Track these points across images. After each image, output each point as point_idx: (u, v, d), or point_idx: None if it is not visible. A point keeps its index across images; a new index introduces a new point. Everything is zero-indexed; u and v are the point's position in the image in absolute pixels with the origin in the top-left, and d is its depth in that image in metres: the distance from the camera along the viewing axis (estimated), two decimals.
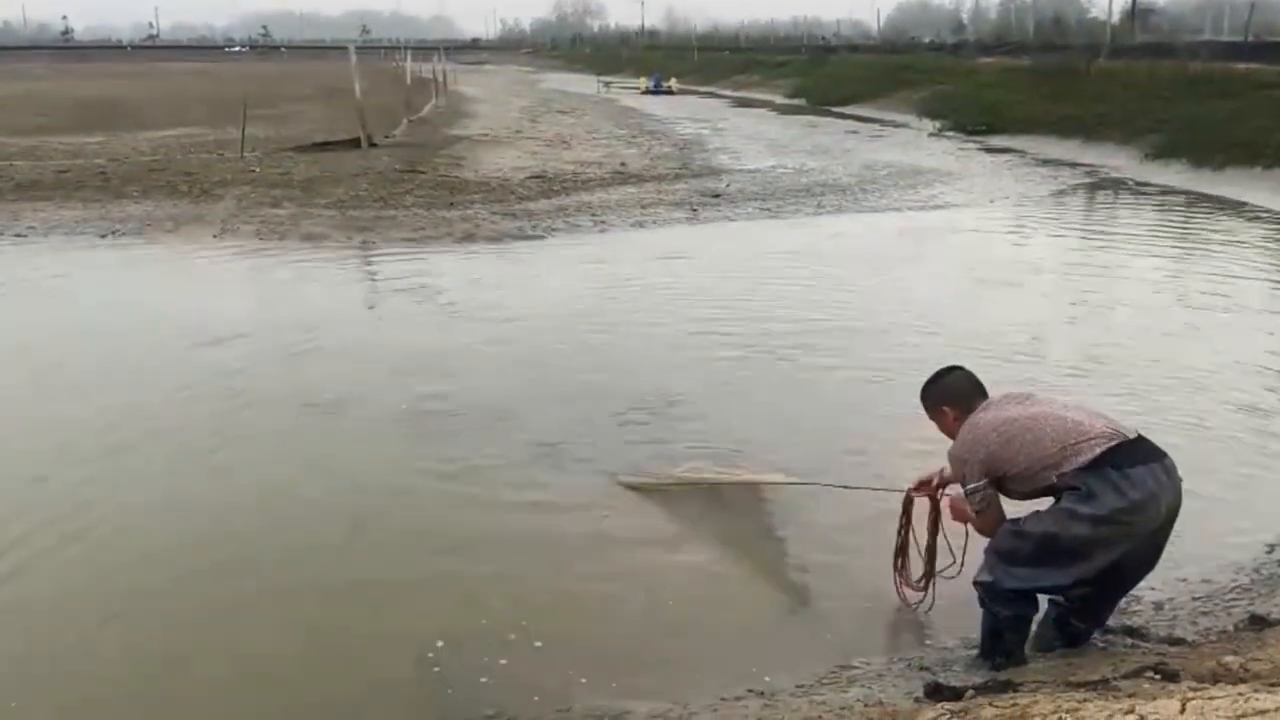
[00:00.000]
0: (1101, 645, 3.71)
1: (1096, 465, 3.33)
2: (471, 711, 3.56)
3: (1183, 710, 2.60)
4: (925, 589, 4.14)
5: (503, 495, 5.29)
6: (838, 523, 4.89)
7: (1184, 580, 4.38)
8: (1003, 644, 3.62)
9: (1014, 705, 2.92)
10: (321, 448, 5.99)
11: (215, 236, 12.17)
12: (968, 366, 3.89)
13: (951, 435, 3.74)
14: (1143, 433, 3.48)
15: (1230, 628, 3.78)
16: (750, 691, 3.65)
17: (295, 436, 6.18)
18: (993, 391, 3.77)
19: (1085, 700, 2.84)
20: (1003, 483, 3.57)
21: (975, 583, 3.62)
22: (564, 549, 4.75)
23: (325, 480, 5.53)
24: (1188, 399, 6.61)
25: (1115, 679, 3.11)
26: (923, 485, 4.08)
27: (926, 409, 3.86)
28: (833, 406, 6.59)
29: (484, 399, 6.68)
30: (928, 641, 4.01)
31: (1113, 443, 3.36)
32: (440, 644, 3.96)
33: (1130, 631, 3.83)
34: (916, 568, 4.16)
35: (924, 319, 8.52)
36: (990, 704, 2.97)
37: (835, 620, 4.19)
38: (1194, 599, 4.20)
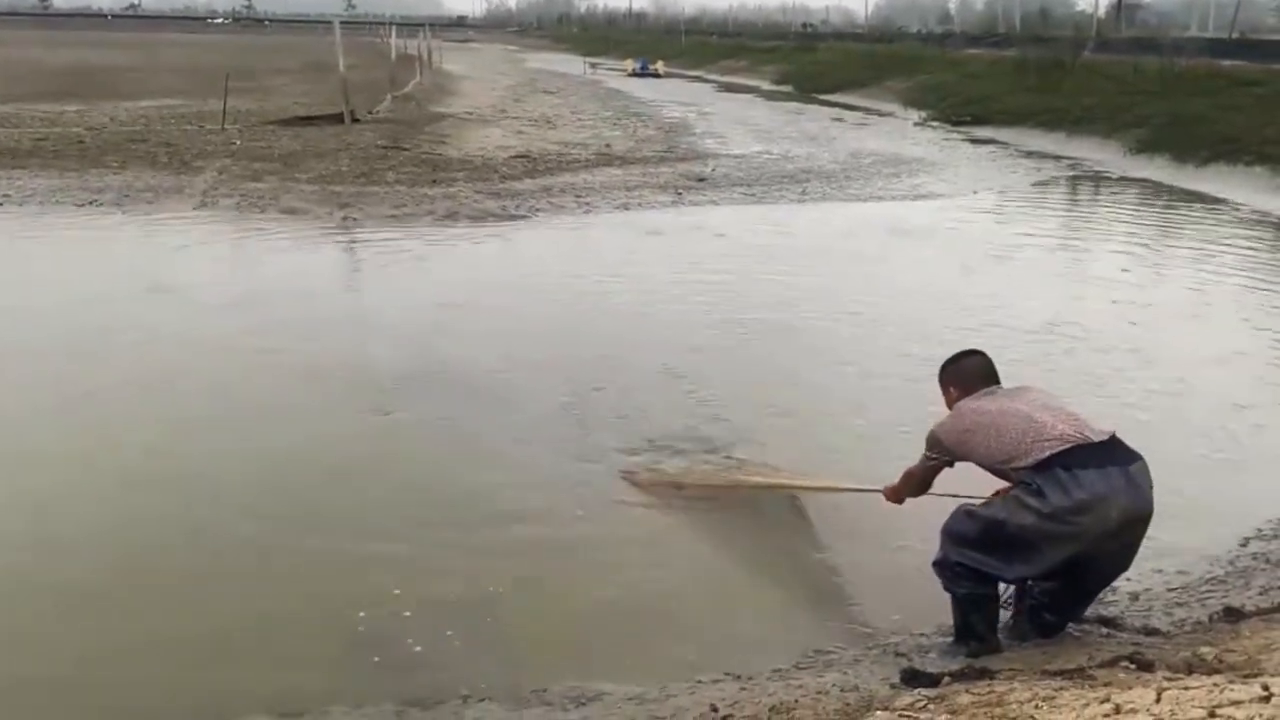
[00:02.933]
0: (1077, 635, 3.73)
1: (1047, 465, 3.39)
2: (444, 691, 3.53)
3: (1158, 700, 2.62)
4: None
5: (482, 474, 5.27)
6: (819, 511, 4.89)
7: (1159, 571, 4.40)
8: (971, 627, 3.66)
9: (990, 692, 2.93)
10: (307, 424, 5.96)
11: (195, 209, 12.04)
12: (986, 352, 3.99)
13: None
14: (1118, 436, 3.50)
15: (1205, 619, 3.81)
16: (727, 674, 3.64)
17: (283, 410, 6.15)
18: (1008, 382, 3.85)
19: (1061, 688, 2.86)
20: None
21: (933, 565, 3.71)
22: (543, 530, 4.72)
23: (292, 456, 5.52)
24: (1162, 390, 6.64)
25: (1091, 668, 3.13)
26: None
27: (940, 384, 3.99)
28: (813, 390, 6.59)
29: (471, 371, 6.68)
30: (903, 629, 4.00)
31: (1067, 445, 3.40)
32: (410, 620, 3.94)
33: (1105, 621, 3.84)
34: None
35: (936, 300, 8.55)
36: (967, 690, 2.99)
37: (811, 607, 4.21)
38: (1169, 590, 4.22)
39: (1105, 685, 2.85)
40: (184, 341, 7.28)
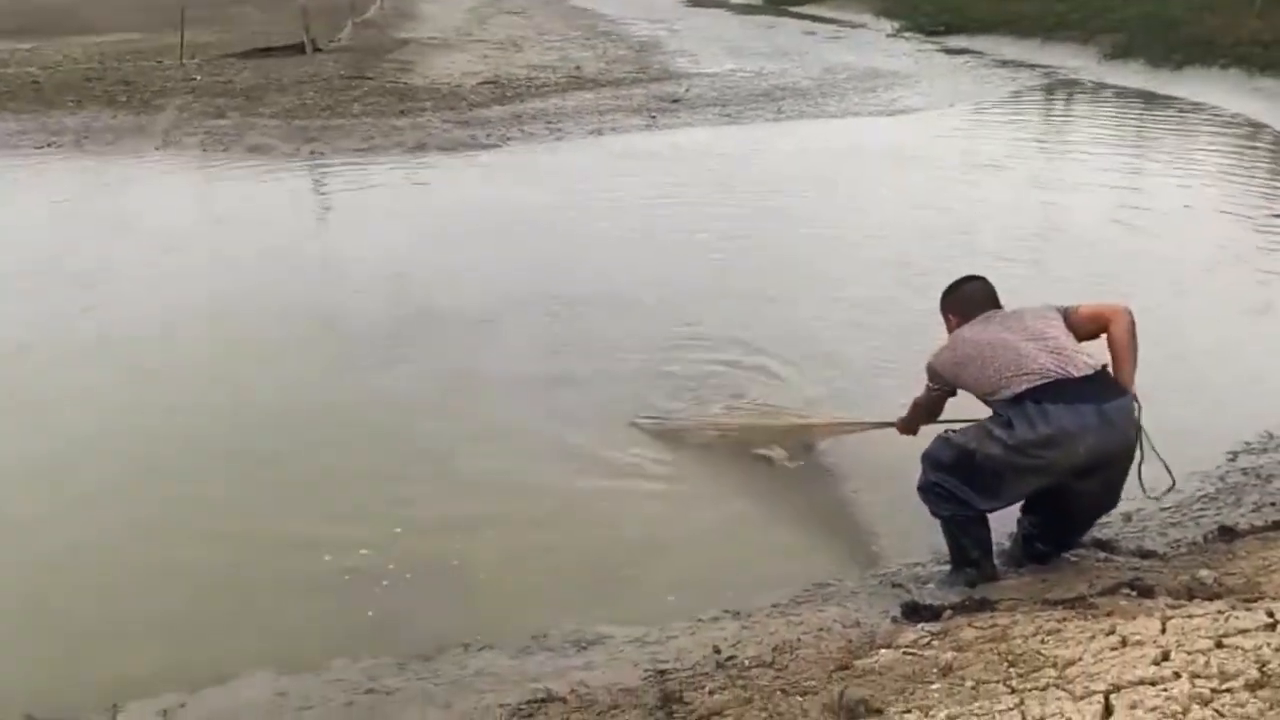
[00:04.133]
0: (1074, 560, 3.74)
1: (1019, 399, 3.40)
2: (444, 641, 3.51)
3: (1163, 630, 2.62)
4: None
5: (474, 419, 5.21)
6: (814, 446, 4.87)
7: (1150, 490, 4.41)
8: (964, 552, 3.67)
9: (994, 625, 2.94)
10: (299, 362, 5.90)
11: (157, 149, 11.75)
12: (985, 275, 3.96)
13: None
14: (1107, 370, 3.48)
15: (1200, 539, 3.82)
16: (727, 612, 3.63)
17: (275, 352, 6.07)
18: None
19: (1065, 619, 2.86)
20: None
21: (917, 489, 3.72)
22: (537, 475, 4.65)
23: (289, 391, 5.47)
24: (1148, 297, 6.62)
25: (1092, 596, 3.13)
26: None
27: (941, 311, 3.97)
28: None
29: (453, 309, 6.59)
30: (900, 558, 4.01)
31: (1043, 380, 3.40)
32: (404, 571, 3.91)
33: (1101, 545, 3.85)
34: None
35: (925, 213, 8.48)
36: (970, 624, 2.99)
37: (808, 540, 4.20)
38: (1161, 509, 4.22)
39: (1108, 615, 2.85)
40: (149, 286, 7.13)
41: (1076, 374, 3.42)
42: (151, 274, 7.45)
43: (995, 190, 9.98)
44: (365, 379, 5.66)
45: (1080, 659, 2.49)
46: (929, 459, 3.66)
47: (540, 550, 4.11)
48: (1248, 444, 4.86)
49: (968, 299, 3.86)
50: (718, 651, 3.15)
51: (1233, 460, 4.70)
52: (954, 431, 3.68)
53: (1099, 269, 7.22)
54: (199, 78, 16.04)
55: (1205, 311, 6.50)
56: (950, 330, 3.88)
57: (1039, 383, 3.40)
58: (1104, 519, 4.08)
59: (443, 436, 5.02)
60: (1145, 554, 3.73)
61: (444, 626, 3.62)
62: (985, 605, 3.23)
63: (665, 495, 4.51)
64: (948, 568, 3.77)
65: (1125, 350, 3.52)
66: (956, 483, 3.55)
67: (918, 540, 3.99)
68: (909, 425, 4.15)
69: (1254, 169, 11.11)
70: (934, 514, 3.69)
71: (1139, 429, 3.49)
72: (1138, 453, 3.51)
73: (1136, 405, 3.45)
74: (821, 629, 3.27)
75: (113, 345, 6.17)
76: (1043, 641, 2.67)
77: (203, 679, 3.34)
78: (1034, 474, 3.42)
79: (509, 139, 12.38)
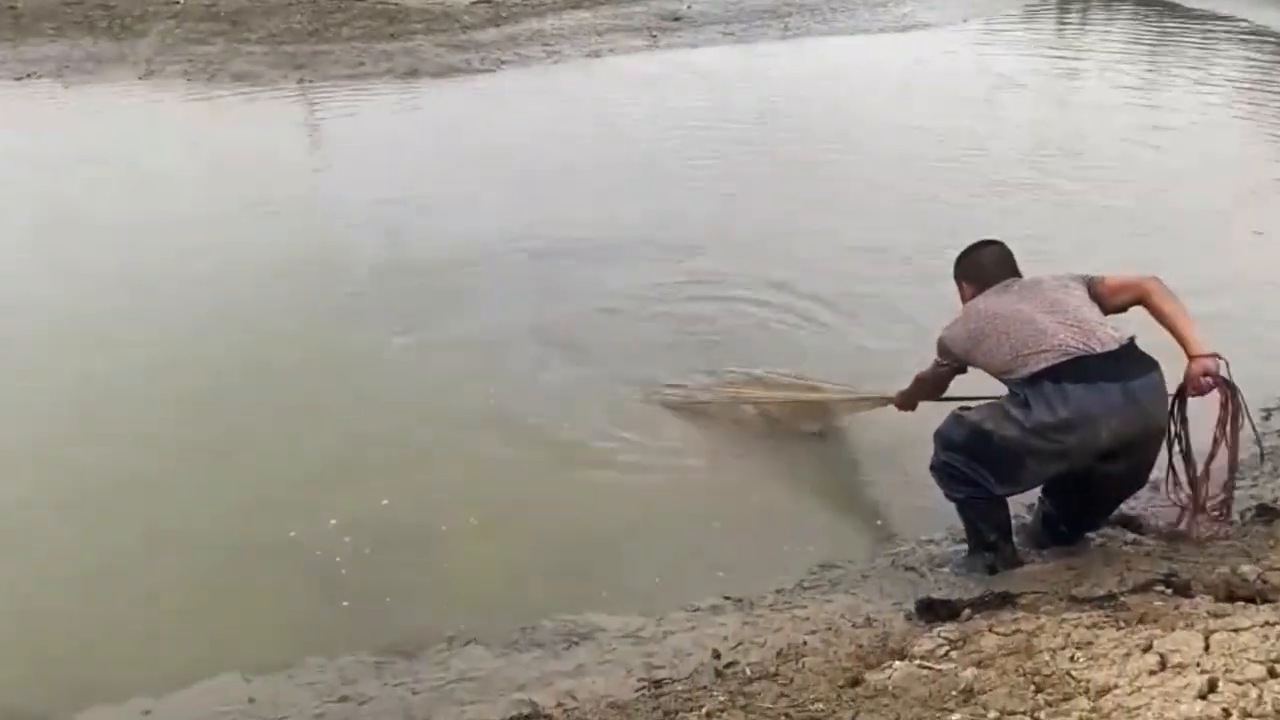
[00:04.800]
0: (1100, 542, 3.49)
1: (1037, 378, 3.12)
2: (427, 636, 3.27)
3: (1207, 647, 2.37)
4: (1224, 514, 3.42)
5: (460, 383, 4.90)
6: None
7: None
8: (981, 536, 3.40)
9: (1017, 631, 2.69)
10: (274, 312, 5.59)
11: (140, 78, 11.30)
12: (1003, 240, 3.66)
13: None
14: (1134, 344, 3.18)
15: (1236, 517, 3.55)
16: (727, 599, 3.41)
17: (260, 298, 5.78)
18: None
19: (1096, 628, 2.61)
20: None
21: (930, 469, 3.46)
22: (526, 450, 4.33)
23: (259, 347, 5.19)
24: (1169, 222, 6.31)
25: (1123, 593, 2.88)
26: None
27: (955, 279, 3.68)
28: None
29: (446, 256, 6.27)
30: (912, 537, 3.76)
31: (1064, 358, 3.11)
32: (383, 556, 3.65)
33: (1127, 523, 3.60)
34: None
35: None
36: (991, 629, 2.74)
37: (814, 519, 3.94)
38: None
39: (1142, 622, 2.61)
40: (130, 225, 6.82)
41: (1100, 349, 3.13)
42: (133, 209, 7.12)
43: (1011, 109, 9.57)
44: (343, 336, 5.34)
45: (1116, 686, 2.24)
46: (941, 437, 3.39)
47: (529, 531, 3.85)
48: None
49: (984, 266, 3.57)
50: (717, 656, 2.92)
51: (1266, 419, 4.41)
52: (968, 409, 3.41)
53: (1119, 200, 6.87)
54: (181, 2, 15.44)
55: (1235, 241, 6.16)
56: (964, 300, 3.59)
57: (1058, 361, 3.11)
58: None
59: (427, 405, 4.69)
60: (1176, 535, 3.47)
61: (426, 617, 3.39)
62: (1007, 601, 2.99)
63: (663, 471, 4.20)
64: (964, 548, 3.52)
65: (1178, 314, 3.20)
66: (972, 463, 3.28)
67: (931, 518, 3.74)
68: (908, 401, 3.89)
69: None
70: (948, 496, 3.42)
71: (1174, 403, 3.21)
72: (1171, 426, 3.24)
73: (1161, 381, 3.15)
74: (829, 627, 3.03)
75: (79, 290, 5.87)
76: (1073, 659, 2.42)
77: (169, 682, 3.11)
78: (1054, 459, 3.15)
79: (504, 63, 11.90)
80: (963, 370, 3.57)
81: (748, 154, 8.21)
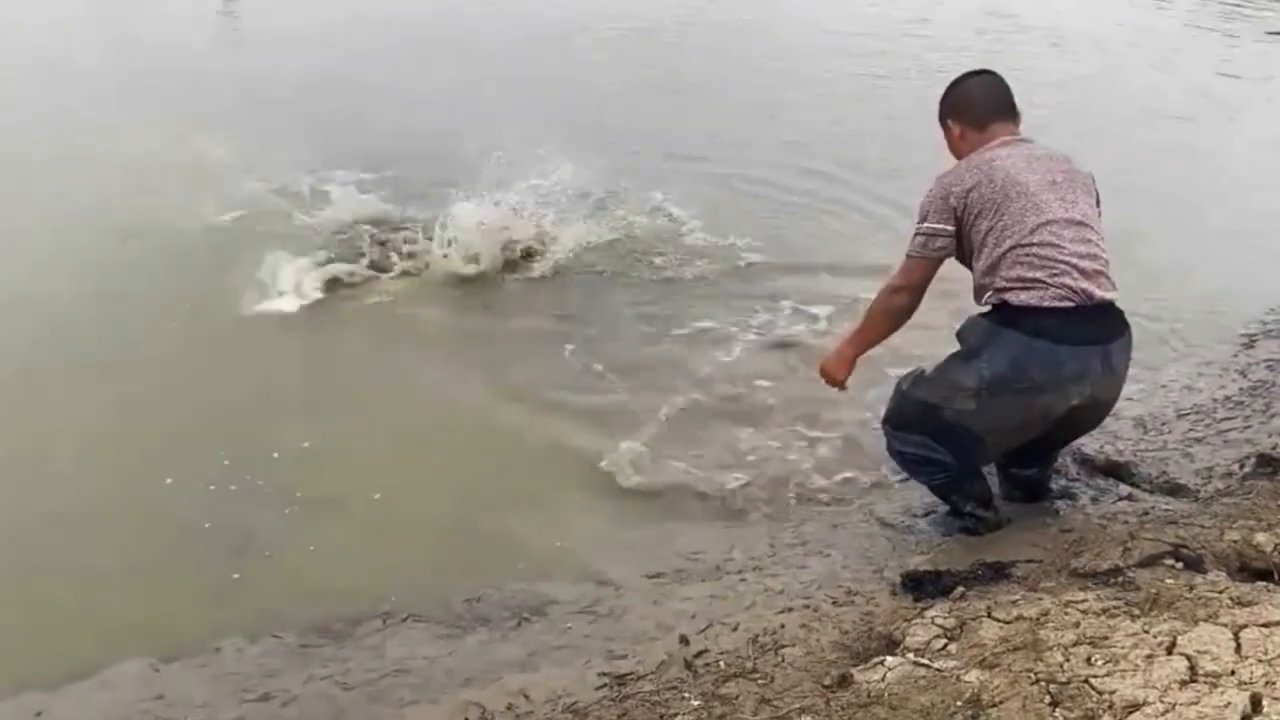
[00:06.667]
0: (1090, 495, 3.23)
1: (1013, 319, 2.75)
2: (359, 607, 2.92)
3: (1238, 648, 2.14)
4: None
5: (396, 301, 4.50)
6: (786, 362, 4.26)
7: (1164, 387, 3.91)
8: (958, 508, 3.11)
9: (1020, 618, 2.42)
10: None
11: None
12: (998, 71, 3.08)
13: (957, 157, 2.99)
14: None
15: (1235, 468, 3.31)
16: (693, 562, 3.10)
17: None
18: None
19: (1108, 617, 2.36)
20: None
21: (888, 451, 3.18)
22: (471, 389, 3.99)
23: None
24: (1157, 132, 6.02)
25: (1129, 568, 2.63)
26: None
27: (939, 120, 3.07)
28: None
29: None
30: (888, 482, 3.47)
31: (1059, 303, 2.71)
32: (317, 515, 3.29)
33: (1118, 473, 3.34)
34: None
35: None
36: (989, 614, 2.47)
37: (779, 464, 3.60)
38: (1179, 415, 3.72)
39: (1157, 608, 2.37)
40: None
41: (1097, 297, 2.75)
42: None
43: None
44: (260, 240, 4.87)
45: (1145, 703, 1.99)
46: (889, 422, 3.05)
47: (473, 486, 3.49)
48: (1264, 324, 4.35)
49: (973, 100, 2.97)
50: (686, 643, 2.61)
51: (1249, 348, 4.18)
52: (908, 380, 3.02)
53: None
54: None
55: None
56: (952, 144, 3.01)
57: (1053, 304, 2.70)
58: (1113, 425, 3.57)
59: (350, 341, 4.31)
60: (1172, 487, 3.23)
61: (361, 586, 3.03)
62: (1000, 573, 2.72)
63: (614, 411, 3.87)
64: (938, 501, 3.22)
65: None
66: (928, 443, 2.95)
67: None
68: (848, 350, 3.13)
69: None
70: (916, 480, 3.13)
71: None
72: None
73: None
74: (806, 604, 2.73)
75: None
76: (1089, 661, 2.16)
77: (66, 674, 2.73)
78: (1017, 430, 2.87)
79: None
80: (943, 258, 2.92)
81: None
